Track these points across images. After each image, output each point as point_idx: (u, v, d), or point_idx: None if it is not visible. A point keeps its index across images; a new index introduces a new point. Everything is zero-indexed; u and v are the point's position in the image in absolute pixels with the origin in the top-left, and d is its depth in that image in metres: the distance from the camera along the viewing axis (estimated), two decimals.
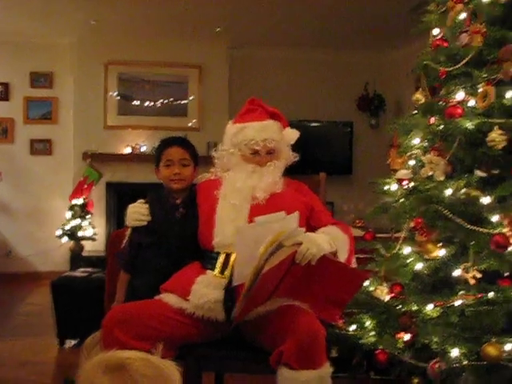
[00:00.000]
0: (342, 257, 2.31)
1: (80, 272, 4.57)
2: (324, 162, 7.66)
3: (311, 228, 2.39)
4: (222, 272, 2.32)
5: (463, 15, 2.67)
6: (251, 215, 2.34)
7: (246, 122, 2.52)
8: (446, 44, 2.73)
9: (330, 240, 2.25)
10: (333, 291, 2.25)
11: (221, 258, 2.34)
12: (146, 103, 7.40)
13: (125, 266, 2.57)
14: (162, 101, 7.43)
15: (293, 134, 2.58)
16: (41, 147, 7.41)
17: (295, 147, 2.60)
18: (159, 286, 2.39)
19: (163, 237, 2.49)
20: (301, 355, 2.06)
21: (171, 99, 7.47)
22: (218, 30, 6.96)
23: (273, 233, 2.07)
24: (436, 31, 2.87)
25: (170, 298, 2.33)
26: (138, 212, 2.52)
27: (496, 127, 2.37)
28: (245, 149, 2.48)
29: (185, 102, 7.51)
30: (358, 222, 6.87)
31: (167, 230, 2.50)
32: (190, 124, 7.46)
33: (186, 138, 2.72)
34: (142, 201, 2.58)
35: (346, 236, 2.38)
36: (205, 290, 2.27)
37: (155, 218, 2.52)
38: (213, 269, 2.34)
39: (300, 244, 2.12)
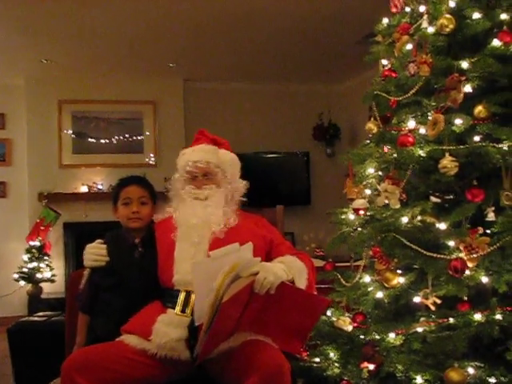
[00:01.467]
0: (300, 285, 2.29)
1: (38, 316, 4.43)
2: (282, 193, 7.71)
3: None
4: (183, 310, 2.29)
5: (409, 46, 2.74)
6: (210, 250, 2.31)
7: None
8: (394, 74, 2.79)
9: (284, 268, 2.24)
10: (295, 318, 2.24)
11: (181, 296, 2.32)
12: (102, 141, 7.36)
13: (83, 308, 2.53)
14: (117, 138, 7.40)
15: (228, 156, 2.60)
16: None
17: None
18: (119, 327, 2.34)
19: (122, 277, 2.45)
20: None
21: (127, 136, 7.44)
22: (172, 65, 6.98)
23: (229, 265, 2.06)
24: (384, 62, 2.93)
25: (131, 340, 2.28)
26: (95, 253, 2.50)
27: (447, 154, 2.41)
28: (183, 173, 2.55)
29: (140, 138, 7.49)
30: (317, 250, 6.94)
31: (126, 270, 2.47)
32: (146, 160, 7.43)
33: (144, 177, 2.71)
34: (99, 241, 2.55)
35: (303, 264, 2.36)
36: (166, 329, 2.24)
37: (113, 258, 2.48)
38: (174, 307, 2.31)
39: (257, 274, 2.11)
